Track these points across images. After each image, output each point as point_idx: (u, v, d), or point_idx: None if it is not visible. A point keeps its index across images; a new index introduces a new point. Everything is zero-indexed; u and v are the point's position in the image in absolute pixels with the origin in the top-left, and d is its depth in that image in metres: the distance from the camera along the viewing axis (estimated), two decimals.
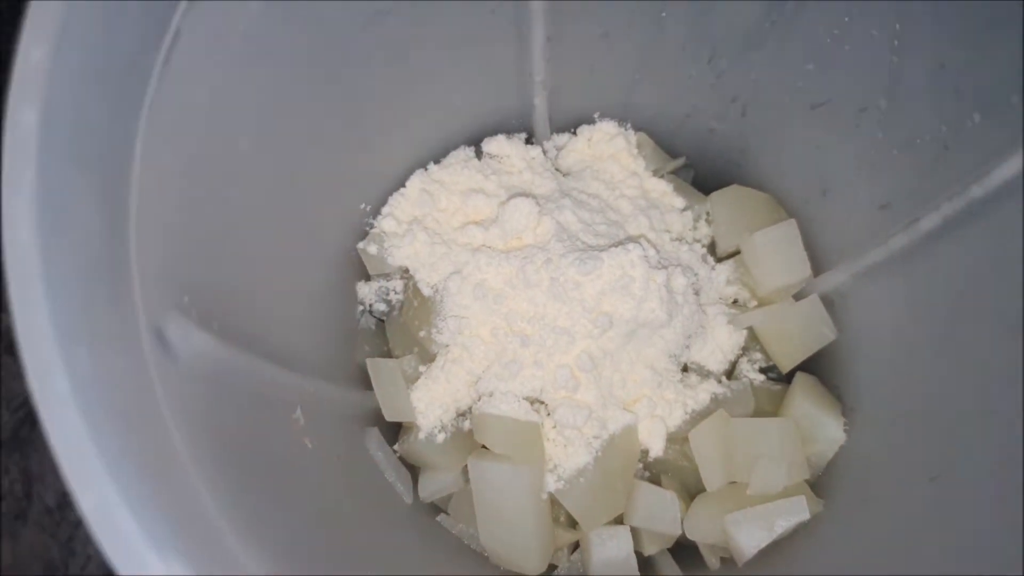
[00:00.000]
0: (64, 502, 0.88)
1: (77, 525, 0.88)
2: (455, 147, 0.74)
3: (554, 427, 0.66)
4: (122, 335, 0.35)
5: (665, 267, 0.66)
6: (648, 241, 0.68)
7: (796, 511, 0.63)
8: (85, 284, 0.33)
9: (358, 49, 0.57)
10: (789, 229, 0.71)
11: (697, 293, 0.70)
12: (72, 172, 0.33)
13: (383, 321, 0.73)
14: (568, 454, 0.65)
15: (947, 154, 0.55)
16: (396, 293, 0.71)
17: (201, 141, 0.45)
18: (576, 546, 0.70)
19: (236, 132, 0.48)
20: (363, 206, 0.69)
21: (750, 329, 0.72)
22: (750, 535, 0.64)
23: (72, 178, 0.33)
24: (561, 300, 0.64)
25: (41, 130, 0.32)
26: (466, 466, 0.67)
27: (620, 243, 0.66)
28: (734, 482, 0.66)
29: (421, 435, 0.67)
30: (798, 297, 0.71)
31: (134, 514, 0.29)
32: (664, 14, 0.64)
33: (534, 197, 0.69)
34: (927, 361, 0.60)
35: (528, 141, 0.76)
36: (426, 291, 0.68)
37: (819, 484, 0.67)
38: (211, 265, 0.47)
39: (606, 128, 0.76)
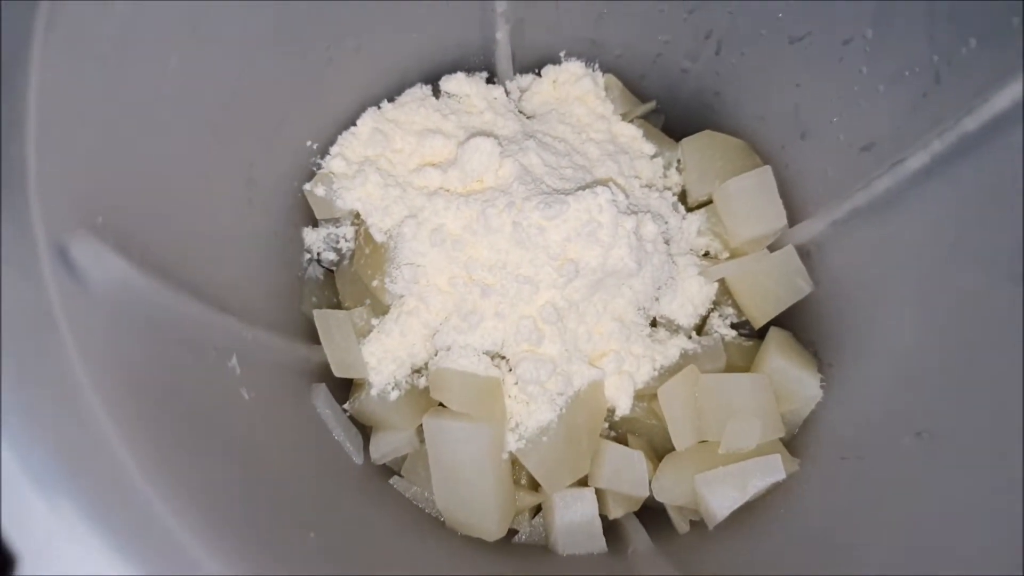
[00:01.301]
0: None
1: None
2: (410, 84, 0.69)
3: (516, 383, 0.62)
4: (16, 248, 0.30)
5: (635, 213, 0.62)
6: (617, 186, 0.63)
7: (771, 470, 0.60)
8: None
9: None
10: (764, 176, 0.67)
11: (667, 243, 0.66)
12: None
13: (332, 272, 0.68)
14: (530, 411, 0.61)
15: (938, 87, 0.51)
16: (347, 240, 0.66)
17: (121, 48, 0.39)
18: (538, 510, 0.66)
19: (164, 47, 0.43)
20: (309, 143, 0.63)
21: (721, 282, 0.69)
22: (722, 496, 0.60)
23: None
24: (524, 246, 0.60)
25: None
26: (421, 425, 0.63)
27: (587, 187, 0.62)
28: (705, 441, 0.63)
29: (373, 392, 0.62)
30: (772, 248, 0.68)
31: (16, 449, 0.25)
32: None
33: (496, 138, 0.64)
34: (912, 312, 0.56)
35: (490, 81, 0.71)
36: (379, 237, 0.63)
37: (794, 443, 0.64)
38: (133, 188, 0.42)
39: (572, 69, 0.72)
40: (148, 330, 0.39)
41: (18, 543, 0.24)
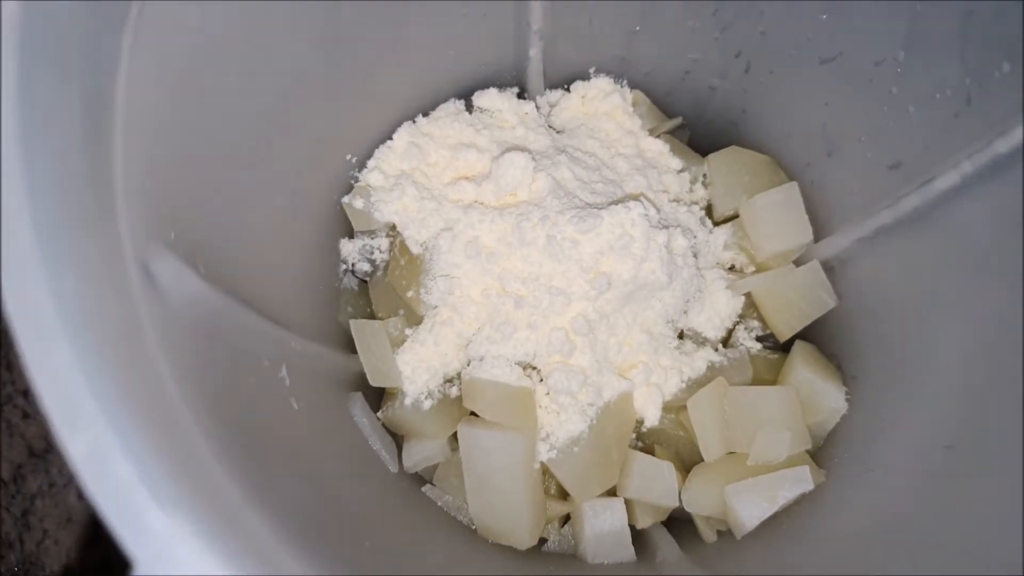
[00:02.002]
0: (19, 474, 0.84)
1: (33, 499, 0.83)
2: (444, 99, 0.70)
3: (547, 393, 0.63)
4: (109, 264, 0.31)
5: (666, 227, 0.63)
6: (648, 200, 0.65)
7: (800, 481, 0.61)
8: (70, 203, 0.29)
9: None
10: (790, 192, 0.68)
11: (695, 256, 0.68)
12: (54, 77, 0.29)
13: (365, 282, 0.69)
14: (561, 422, 0.62)
15: (969, 109, 0.53)
16: (380, 252, 0.67)
17: (189, 65, 0.41)
18: (567, 518, 0.67)
19: (225, 62, 0.44)
20: (348, 157, 0.65)
21: (747, 295, 0.70)
22: (752, 506, 0.61)
23: (54, 83, 0.29)
24: (557, 259, 0.61)
25: (23, 26, 0.28)
26: (452, 435, 0.64)
27: (619, 201, 0.63)
28: (731, 452, 0.64)
29: (407, 401, 0.63)
30: (798, 263, 0.69)
31: (132, 460, 0.26)
32: None
33: (529, 152, 0.65)
34: (938, 328, 0.57)
35: (520, 96, 0.73)
36: (415, 249, 0.64)
37: (820, 455, 0.65)
38: (196, 200, 0.43)
39: (601, 85, 0.73)
40: (214, 342, 0.40)
41: (133, 548, 0.25)
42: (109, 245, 0.32)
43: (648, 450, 0.67)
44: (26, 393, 0.86)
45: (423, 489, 0.66)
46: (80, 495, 0.83)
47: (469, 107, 0.71)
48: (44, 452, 0.86)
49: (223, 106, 0.45)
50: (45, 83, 0.29)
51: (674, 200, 0.70)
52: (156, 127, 0.37)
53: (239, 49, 0.45)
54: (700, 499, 0.64)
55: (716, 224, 0.72)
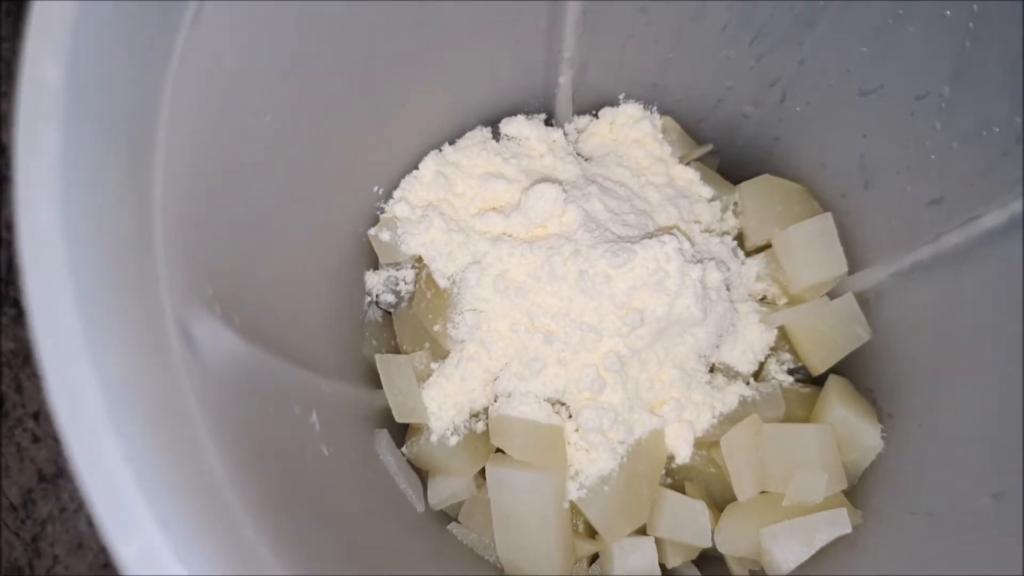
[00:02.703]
0: (29, 499, 0.82)
1: (43, 524, 0.82)
2: (471, 127, 0.68)
3: (576, 431, 0.61)
4: (152, 334, 0.29)
5: (700, 261, 0.62)
6: (682, 233, 0.63)
7: (838, 524, 0.60)
8: (112, 275, 0.28)
9: (385, 17, 0.52)
10: (825, 223, 0.67)
11: (728, 289, 0.66)
12: (98, 139, 0.28)
13: (389, 313, 0.68)
14: (591, 460, 0.61)
15: (1018, 147, 0.51)
16: (406, 283, 0.66)
17: (227, 110, 0.39)
18: (595, 557, 0.66)
19: (262, 104, 0.43)
20: (376, 189, 0.63)
21: (780, 328, 0.68)
22: (789, 550, 0.60)
23: (99, 146, 0.28)
24: (589, 294, 0.60)
25: (67, 90, 0.26)
26: (478, 472, 0.63)
27: (652, 234, 0.61)
28: (765, 492, 0.62)
29: (433, 437, 0.62)
30: (832, 295, 0.67)
31: (178, 556, 0.24)
32: None
33: (559, 183, 0.64)
34: (979, 368, 0.56)
35: (547, 123, 0.71)
36: (442, 282, 0.63)
37: (855, 494, 0.64)
38: (231, 250, 0.41)
39: (630, 111, 0.71)
40: (249, 399, 0.39)
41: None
42: (150, 312, 0.30)
43: (678, 486, 0.65)
44: (37, 416, 0.85)
45: (449, 527, 0.64)
46: (90, 522, 0.82)
47: (495, 134, 0.69)
48: (55, 476, 0.85)
49: (259, 149, 0.44)
50: (90, 143, 0.28)
51: (706, 230, 0.68)
52: (194, 179, 0.36)
53: (275, 90, 0.44)
54: (734, 540, 0.62)
55: (748, 254, 0.70)
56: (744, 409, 0.64)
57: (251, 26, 0.40)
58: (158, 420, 0.27)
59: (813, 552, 0.60)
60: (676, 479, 0.66)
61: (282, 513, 0.36)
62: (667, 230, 0.63)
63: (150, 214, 0.32)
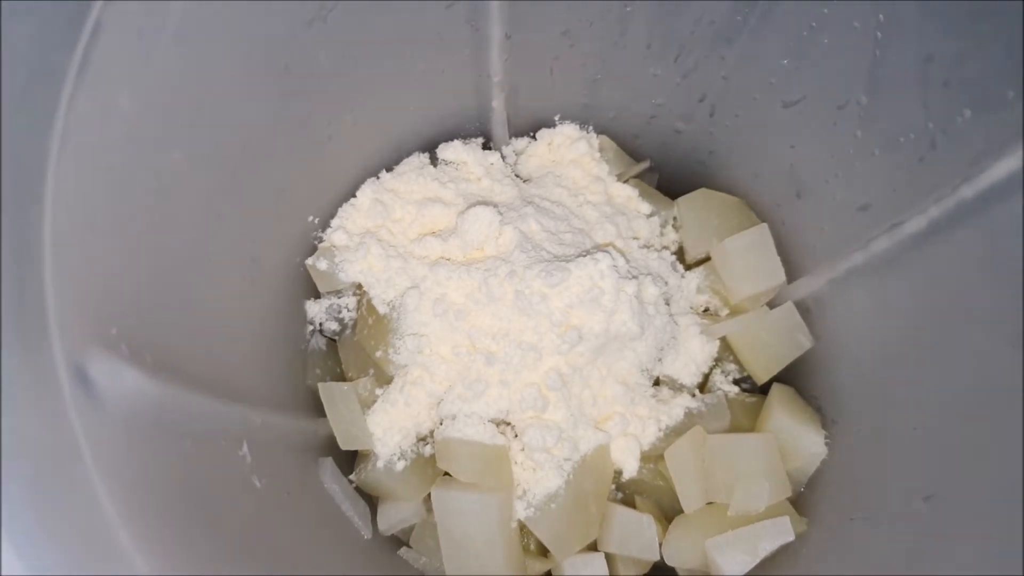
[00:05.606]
0: None
1: None
2: (408, 154, 0.69)
3: (522, 450, 0.62)
4: (37, 382, 0.30)
5: (635, 276, 0.62)
6: (617, 250, 0.64)
7: (781, 532, 0.60)
8: None
9: (302, 48, 0.52)
10: (761, 234, 0.67)
11: (668, 303, 0.67)
12: None
13: (335, 341, 0.68)
14: (538, 478, 0.61)
15: (934, 153, 0.52)
16: (349, 310, 0.66)
17: (126, 152, 0.39)
18: (548, 575, 0.66)
19: (167, 142, 0.43)
20: (311, 219, 0.64)
21: (723, 339, 0.69)
22: (733, 560, 0.60)
23: None
24: (527, 314, 0.60)
25: None
26: (428, 495, 0.63)
27: (587, 252, 0.62)
28: (712, 503, 0.63)
29: (379, 463, 0.62)
30: (772, 305, 0.68)
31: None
32: (629, 9, 0.61)
33: (495, 205, 0.64)
34: (915, 371, 0.56)
35: (485, 146, 0.72)
36: (382, 308, 0.63)
37: (801, 501, 0.64)
38: (141, 290, 0.41)
39: (567, 131, 0.72)
40: (158, 432, 0.39)
41: None
42: (37, 359, 0.30)
43: (628, 501, 0.66)
44: None
45: (399, 552, 0.64)
46: None
47: (434, 160, 0.70)
48: None
49: (169, 185, 0.44)
50: None
51: (644, 246, 0.69)
52: (91, 219, 0.36)
53: (181, 129, 0.44)
54: (681, 553, 0.62)
55: (688, 268, 0.71)
56: (690, 421, 0.64)
57: (150, 64, 0.40)
58: (40, 462, 0.27)
59: (757, 561, 0.60)
60: (627, 493, 0.66)
61: (192, 546, 0.36)
62: (603, 247, 0.63)
63: (38, 259, 0.32)
